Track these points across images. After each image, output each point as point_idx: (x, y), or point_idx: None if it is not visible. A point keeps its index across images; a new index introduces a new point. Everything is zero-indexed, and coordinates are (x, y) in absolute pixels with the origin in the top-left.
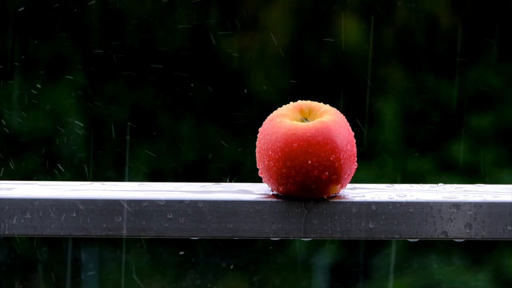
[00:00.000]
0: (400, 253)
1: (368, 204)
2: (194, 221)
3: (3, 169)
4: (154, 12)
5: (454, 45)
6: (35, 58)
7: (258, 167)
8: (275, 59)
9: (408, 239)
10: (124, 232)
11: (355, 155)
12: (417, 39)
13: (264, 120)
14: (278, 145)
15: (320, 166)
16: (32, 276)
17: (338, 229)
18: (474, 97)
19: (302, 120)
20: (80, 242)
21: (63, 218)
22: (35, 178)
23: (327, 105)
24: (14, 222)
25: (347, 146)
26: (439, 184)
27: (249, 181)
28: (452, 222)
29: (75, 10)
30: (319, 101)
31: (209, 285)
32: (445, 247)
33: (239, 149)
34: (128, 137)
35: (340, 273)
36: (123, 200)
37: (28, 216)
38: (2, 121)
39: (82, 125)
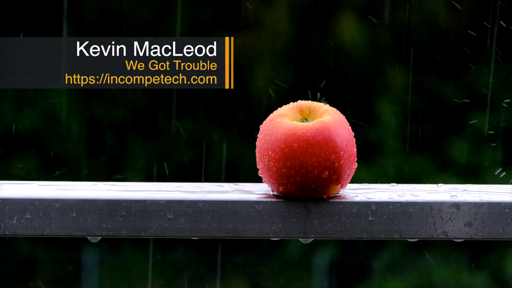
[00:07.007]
0: (400, 253)
1: (368, 204)
2: (194, 221)
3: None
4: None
5: (454, 44)
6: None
7: (258, 167)
8: (275, 59)
9: (408, 239)
10: (124, 232)
11: (355, 155)
12: (417, 39)
13: (264, 120)
14: (278, 145)
15: (320, 166)
16: (31, 277)
17: (338, 229)
18: (474, 97)
19: (302, 120)
20: (80, 242)
21: (63, 218)
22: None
23: (327, 105)
24: (14, 222)
25: (347, 146)
26: (439, 184)
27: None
28: (452, 222)
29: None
30: (319, 101)
31: (209, 285)
32: (444, 247)
33: (239, 149)
34: (127, 137)
35: (340, 273)
36: (123, 200)
37: (28, 216)
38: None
39: (82, 124)
